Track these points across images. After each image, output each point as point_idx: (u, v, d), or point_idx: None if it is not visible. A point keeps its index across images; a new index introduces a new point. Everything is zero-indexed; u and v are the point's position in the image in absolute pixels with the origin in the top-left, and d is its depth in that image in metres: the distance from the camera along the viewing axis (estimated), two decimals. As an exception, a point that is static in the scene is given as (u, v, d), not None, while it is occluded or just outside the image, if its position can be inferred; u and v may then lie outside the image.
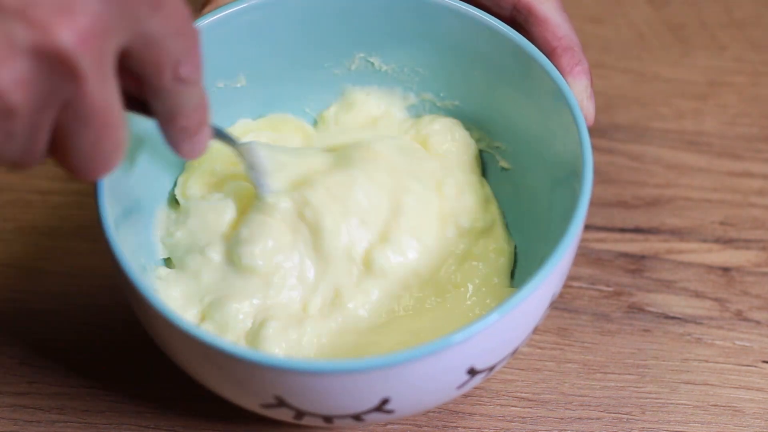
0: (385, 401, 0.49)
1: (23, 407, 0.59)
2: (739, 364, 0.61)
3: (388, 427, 0.58)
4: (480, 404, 0.59)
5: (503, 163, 0.61)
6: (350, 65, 0.61)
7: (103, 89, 0.41)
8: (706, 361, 0.61)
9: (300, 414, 0.50)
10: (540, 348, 0.61)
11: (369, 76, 0.62)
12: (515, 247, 0.60)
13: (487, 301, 0.57)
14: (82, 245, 0.64)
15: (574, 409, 0.59)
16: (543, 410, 0.59)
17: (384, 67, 0.61)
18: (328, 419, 0.50)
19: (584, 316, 0.63)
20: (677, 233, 0.66)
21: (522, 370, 0.61)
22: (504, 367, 0.59)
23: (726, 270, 0.65)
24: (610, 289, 0.64)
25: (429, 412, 0.59)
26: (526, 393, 0.60)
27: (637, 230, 0.66)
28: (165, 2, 0.42)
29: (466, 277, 0.57)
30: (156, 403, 0.59)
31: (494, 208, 0.60)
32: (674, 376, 0.61)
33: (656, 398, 0.60)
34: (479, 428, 0.59)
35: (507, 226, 0.60)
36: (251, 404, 0.51)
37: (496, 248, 0.59)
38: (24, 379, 0.60)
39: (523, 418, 0.59)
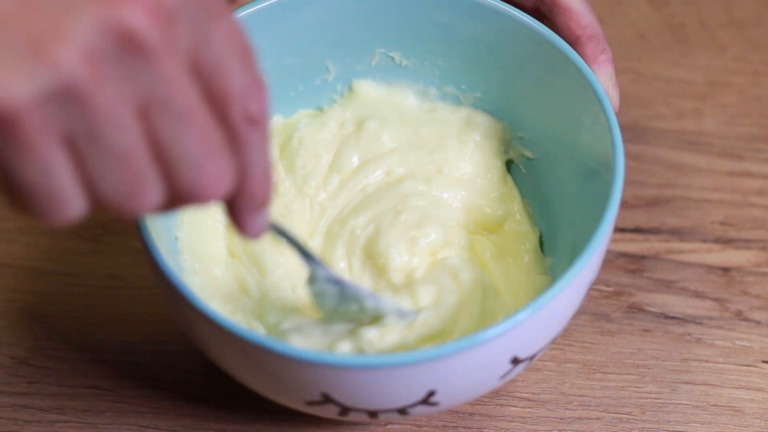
0: (431, 393, 0.49)
1: (23, 407, 0.59)
2: (739, 364, 0.61)
3: (388, 427, 0.58)
4: (480, 404, 0.59)
5: (527, 153, 0.61)
6: (371, 60, 0.61)
7: (181, 78, 0.37)
8: (706, 361, 0.61)
9: (345, 410, 0.49)
10: (540, 348, 0.61)
11: (390, 71, 0.62)
12: (540, 236, 0.60)
13: (521, 294, 0.57)
14: (82, 245, 0.64)
15: (574, 409, 0.59)
16: (543, 410, 0.59)
17: (405, 62, 0.61)
18: (373, 414, 0.50)
19: (584, 316, 0.63)
20: (677, 233, 0.66)
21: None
22: (504, 367, 0.59)
23: (726, 270, 0.65)
24: (610, 289, 0.64)
25: (429, 412, 0.59)
26: (526, 393, 0.60)
27: (637, 230, 0.66)
28: (223, 15, 0.39)
29: (503, 271, 0.58)
30: (156, 403, 0.59)
31: (514, 199, 0.60)
32: (674, 376, 0.61)
33: (656, 398, 0.60)
34: (479, 428, 0.59)
35: (531, 216, 0.60)
36: (295, 402, 0.50)
37: (520, 232, 0.59)
38: (24, 379, 0.60)
39: (523, 418, 0.59)
